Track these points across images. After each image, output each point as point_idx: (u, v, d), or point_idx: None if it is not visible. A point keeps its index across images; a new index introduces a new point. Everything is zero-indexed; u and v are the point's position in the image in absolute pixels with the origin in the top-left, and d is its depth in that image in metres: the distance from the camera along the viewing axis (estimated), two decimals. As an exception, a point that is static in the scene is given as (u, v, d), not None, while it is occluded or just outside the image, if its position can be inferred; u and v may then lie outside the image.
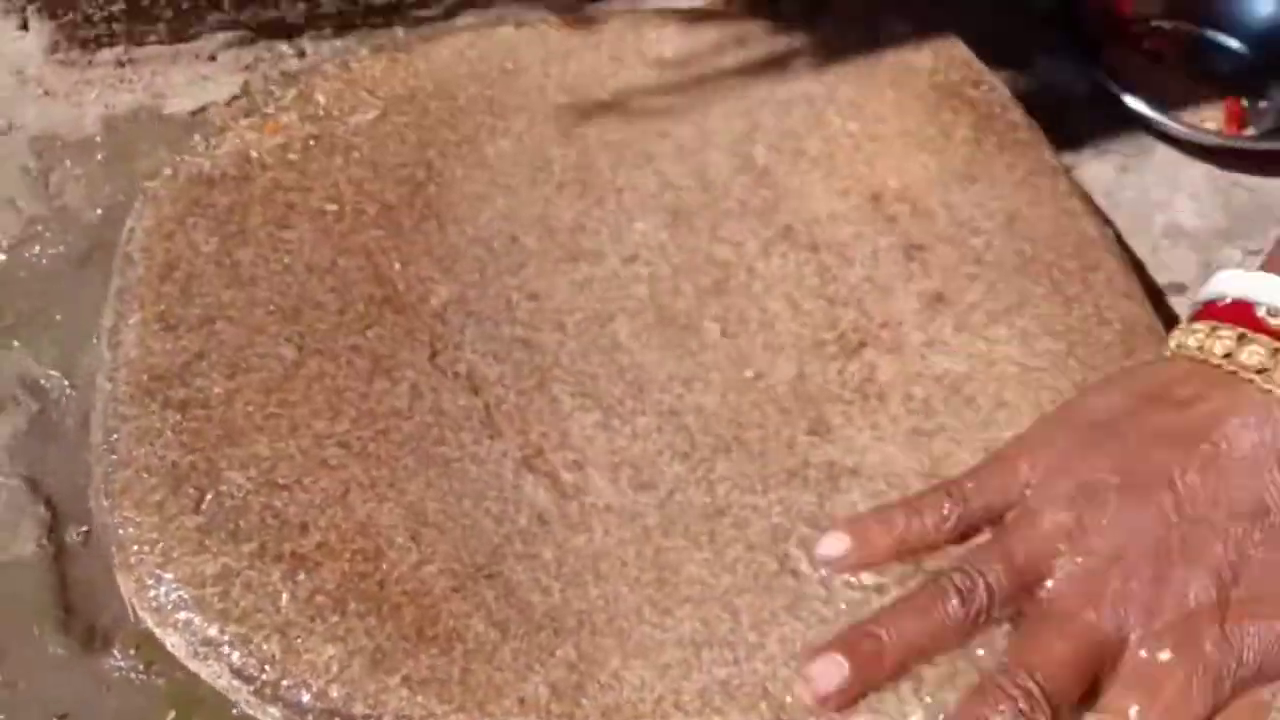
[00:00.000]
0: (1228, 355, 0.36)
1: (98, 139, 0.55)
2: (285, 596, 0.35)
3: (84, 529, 0.41)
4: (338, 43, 0.60)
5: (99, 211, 0.51)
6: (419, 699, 0.33)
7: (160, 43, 0.59)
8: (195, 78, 0.60)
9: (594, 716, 0.34)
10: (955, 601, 0.34)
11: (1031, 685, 0.32)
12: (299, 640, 0.34)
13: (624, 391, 0.44)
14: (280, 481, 0.38)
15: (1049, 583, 0.35)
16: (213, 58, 0.61)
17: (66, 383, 0.45)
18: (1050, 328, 0.46)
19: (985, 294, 0.47)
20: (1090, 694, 0.34)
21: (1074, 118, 0.59)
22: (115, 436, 0.39)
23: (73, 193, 0.52)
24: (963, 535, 0.37)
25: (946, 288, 0.47)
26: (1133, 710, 0.32)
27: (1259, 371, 0.35)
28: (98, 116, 0.56)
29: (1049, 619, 0.34)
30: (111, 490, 0.37)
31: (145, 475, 0.37)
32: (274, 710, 0.34)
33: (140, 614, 0.37)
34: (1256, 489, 0.34)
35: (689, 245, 0.48)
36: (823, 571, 0.38)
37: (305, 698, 0.33)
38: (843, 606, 0.38)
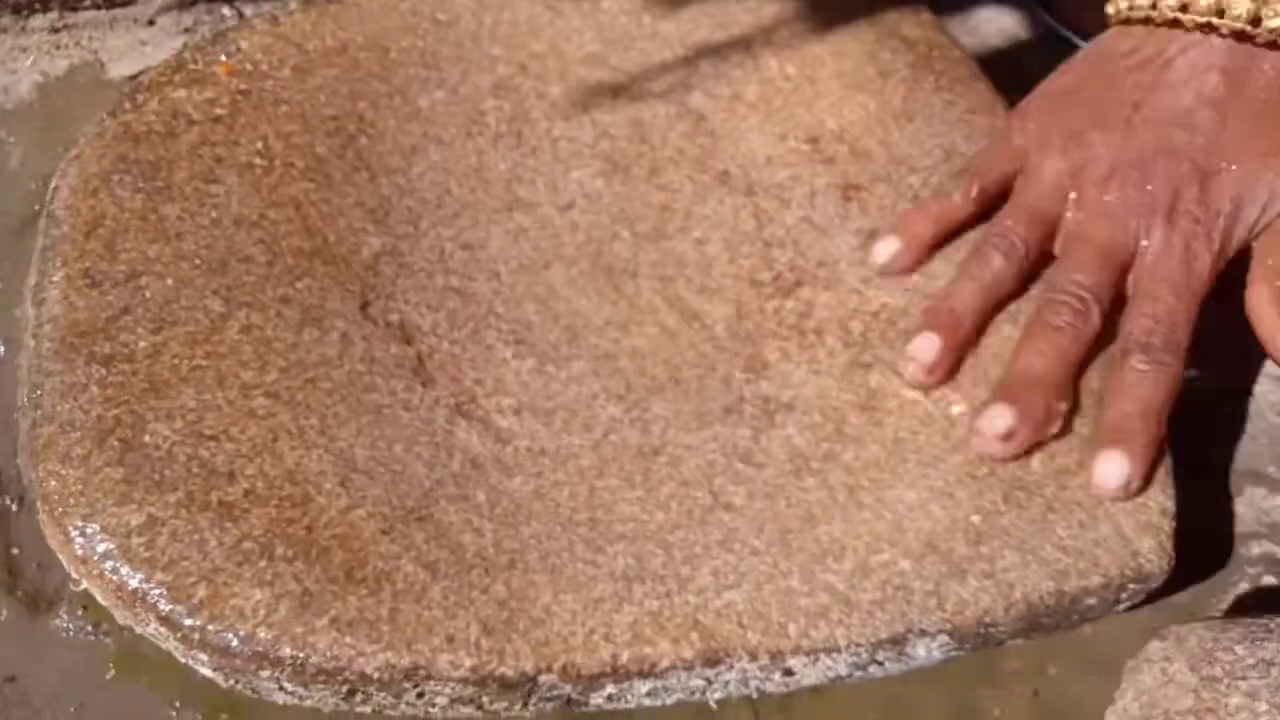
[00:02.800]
0: (1153, 6, 0.42)
1: (35, 106, 0.54)
2: (212, 543, 0.35)
3: (24, 494, 0.41)
4: (278, 1, 0.59)
5: (37, 178, 0.50)
6: (347, 639, 0.34)
7: (97, 8, 0.58)
8: (134, 42, 0.59)
9: (524, 650, 0.34)
10: (999, 258, 0.42)
11: (1076, 287, 0.40)
12: (226, 586, 0.34)
13: (559, 337, 0.44)
14: (207, 432, 0.37)
15: (1067, 216, 0.42)
16: (151, 22, 0.60)
17: (6, 349, 0.45)
18: (986, 261, 0.46)
19: (921, 230, 0.47)
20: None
21: (1025, 61, 0.59)
22: (39, 393, 0.38)
23: (10, 160, 0.52)
24: (984, 206, 0.44)
25: (883, 225, 0.47)
26: (1159, 287, 0.40)
27: (1182, 10, 0.41)
28: (34, 84, 0.56)
29: (1072, 240, 0.42)
30: (35, 446, 0.37)
31: (69, 430, 0.37)
32: (204, 656, 0.34)
33: (68, 568, 0.36)
34: (1199, 89, 0.41)
35: (626, 193, 0.48)
36: (758, 504, 0.39)
37: (233, 642, 0.33)
38: (774, 536, 0.38)
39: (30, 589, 0.40)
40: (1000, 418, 0.38)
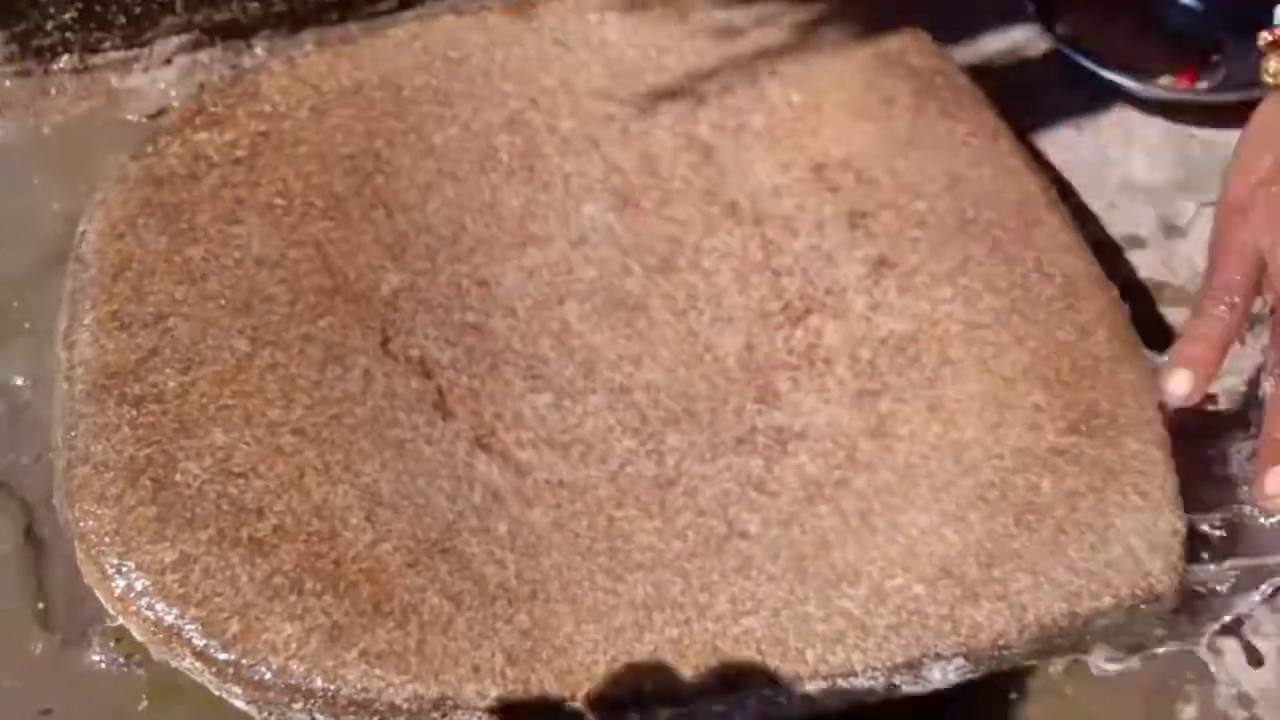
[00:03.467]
0: None
1: (56, 145, 0.56)
2: (244, 579, 0.36)
3: (57, 529, 0.42)
4: (292, 41, 0.60)
5: (60, 217, 0.51)
6: (376, 671, 0.34)
7: (116, 48, 0.59)
8: (151, 81, 0.60)
9: (548, 679, 0.35)
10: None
11: None
12: (258, 620, 0.35)
13: (575, 372, 0.45)
14: (236, 469, 0.38)
15: None
16: (169, 61, 0.61)
17: (35, 386, 0.46)
18: (993, 285, 0.47)
19: (928, 256, 0.48)
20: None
21: (1030, 79, 0.60)
22: (73, 434, 0.39)
23: (33, 199, 0.53)
24: (1248, 313, 0.43)
25: (890, 252, 0.48)
26: None
27: None
28: (56, 124, 0.57)
29: None
30: (71, 487, 0.38)
31: (103, 470, 0.38)
32: (237, 689, 0.35)
33: (105, 605, 0.37)
34: None
35: (636, 226, 0.49)
36: (773, 532, 0.39)
37: (266, 675, 0.34)
38: (790, 562, 0.39)
39: (64, 624, 0.41)
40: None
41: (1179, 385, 0.42)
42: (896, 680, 0.37)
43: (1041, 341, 0.45)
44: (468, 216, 0.49)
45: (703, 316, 0.46)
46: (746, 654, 0.36)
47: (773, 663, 0.36)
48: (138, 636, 0.36)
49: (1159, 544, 0.39)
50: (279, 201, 0.47)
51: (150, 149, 0.48)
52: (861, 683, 0.37)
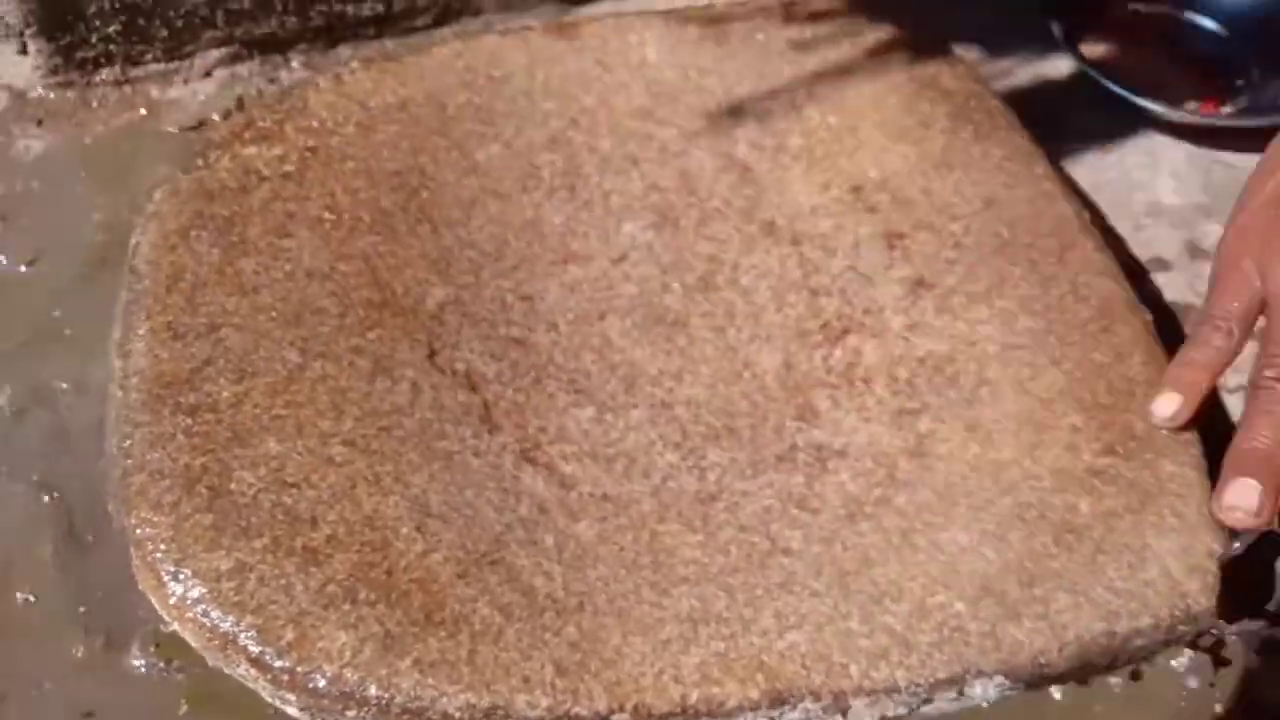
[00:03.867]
0: None
1: (99, 156, 0.56)
2: (298, 587, 0.36)
3: (100, 533, 0.42)
4: (328, 55, 0.61)
5: (102, 228, 0.52)
6: (429, 680, 0.35)
7: (156, 61, 0.60)
8: (191, 94, 0.61)
9: (597, 690, 0.36)
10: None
11: None
12: (313, 628, 0.35)
13: (616, 387, 0.45)
14: (289, 479, 0.39)
15: None
16: (208, 74, 0.62)
17: (77, 393, 0.46)
18: (1029, 307, 0.47)
19: (965, 277, 0.48)
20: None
21: (1056, 103, 0.60)
22: (129, 442, 0.40)
23: (77, 209, 0.53)
24: (1245, 342, 0.43)
25: (927, 272, 0.49)
26: None
27: None
28: (98, 135, 0.58)
29: None
30: (127, 494, 0.39)
31: (159, 478, 0.39)
32: (291, 697, 0.36)
33: (160, 611, 0.38)
34: None
35: (675, 244, 0.50)
36: (815, 548, 0.40)
37: (321, 683, 0.35)
38: (832, 578, 0.39)
39: (105, 627, 0.42)
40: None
41: (1164, 408, 0.43)
42: (937, 696, 0.37)
43: (1078, 364, 0.45)
44: (510, 233, 0.49)
45: (741, 334, 0.47)
46: (792, 669, 0.36)
47: (817, 678, 0.36)
48: (193, 643, 0.37)
49: (1196, 565, 0.40)
50: (328, 215, 0.48)
51: (200, 162, 0.49)
52: (903, 699, 0.37)
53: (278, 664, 0.35)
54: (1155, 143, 0.59)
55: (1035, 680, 0.38)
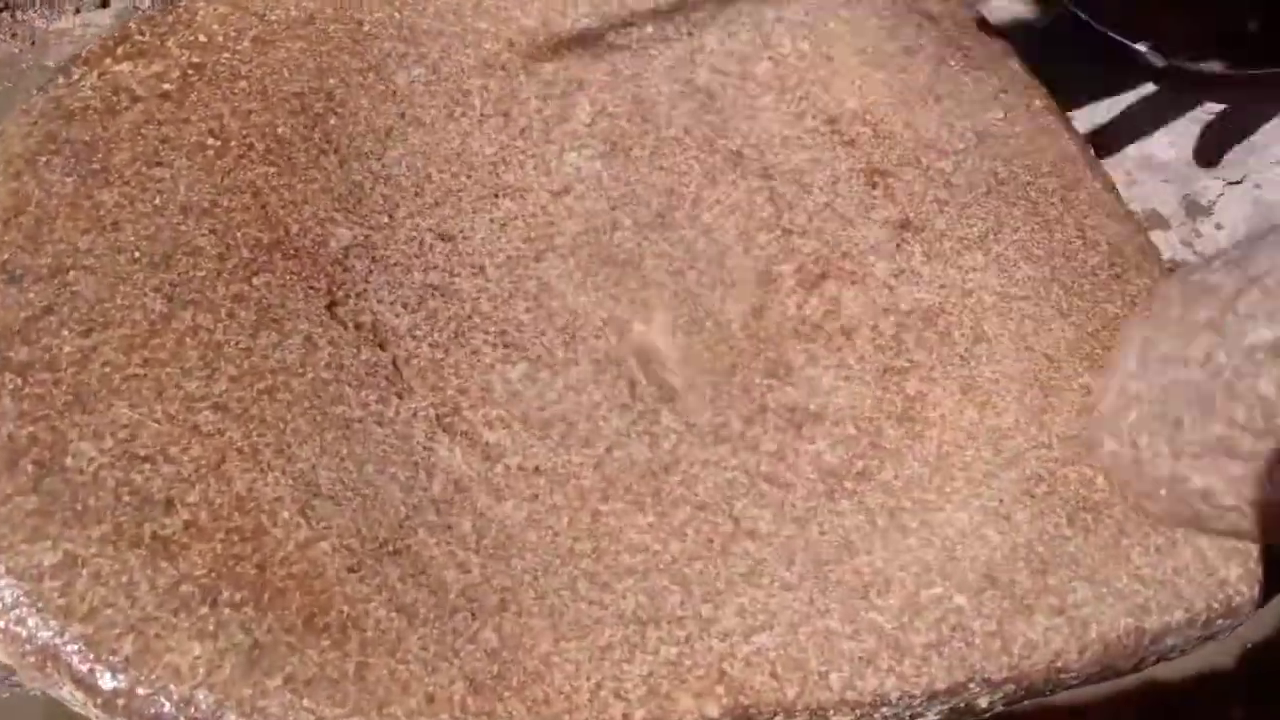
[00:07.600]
0: None
1: (-25, 91, 0.49)
2: (143, 587, 0.29)
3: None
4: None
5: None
6: (305, 702, 0.28)
7: (42, -14, 0.53)
8: (80, 25, 0.54)
9: (519, 711, 0.29)
10: None
11: None
12: (158, 639, 0.28)
13: (554, 339, 0.38)
14: (141, 452, 0.32)
15: None
16: (105, 3, 0.55)
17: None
18: (1030, 252, 0.41)
19: (956, 219, 0.42)
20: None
21: (1048, 50, 0.55)
22: (-56, 407, 0.32)
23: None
24: None
25: (914, 214, 0.42)
26: None
27: None
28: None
29: None
30: (-64, 470, 0.31)
31: (-24, 451, 0.31)
32: (130, 724, 0.28)
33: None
34: None
35: (627, 176, 0.43)
36: (787, 531, 0.33)
37: (166, 707, 0.28)
38: (808, 567, 0.33)
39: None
40: None
41: None
42: (936, 710, 0.31)
43: (1088, 316, 0.40)
44: (433, 166, 0.42)
45: (703, 278, 0.40)
46: (759, 679, 0.30)
47: (791, 690, 0.30)
48: (3, 658, 0.30)
49: (1235, 548, 0.34)
50: (212, 142, 0.40)
51: (61, 80, 0.41)
52: (895, 713, 0.31)
53: (110, 685, 0.28)
54: (1150, 94, 0.56)
55: (1051, 689, 0.32)
